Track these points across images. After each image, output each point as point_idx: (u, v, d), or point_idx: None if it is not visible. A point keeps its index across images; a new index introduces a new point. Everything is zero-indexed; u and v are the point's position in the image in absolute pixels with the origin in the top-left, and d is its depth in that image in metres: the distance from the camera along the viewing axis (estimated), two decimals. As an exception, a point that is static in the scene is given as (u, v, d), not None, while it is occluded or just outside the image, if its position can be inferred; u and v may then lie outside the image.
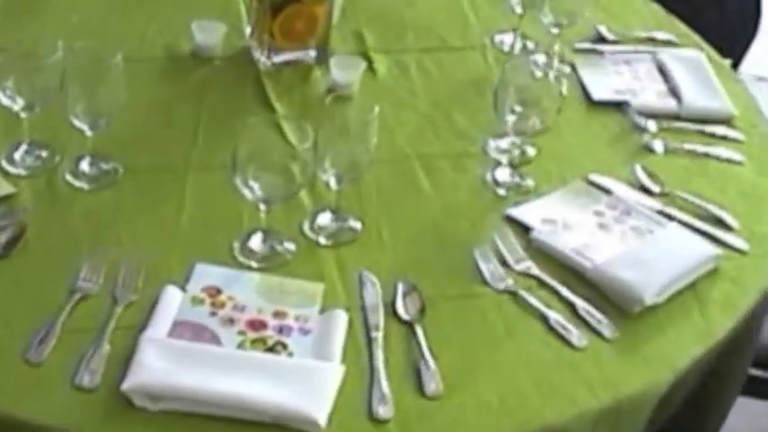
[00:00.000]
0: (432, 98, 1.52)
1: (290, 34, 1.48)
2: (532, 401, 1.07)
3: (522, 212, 1.30)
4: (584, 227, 1.29)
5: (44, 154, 1.32)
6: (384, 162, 1.35)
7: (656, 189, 1.37)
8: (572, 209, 1.32)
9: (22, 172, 1.30)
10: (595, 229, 1.29)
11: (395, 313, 1.15)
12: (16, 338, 1.07)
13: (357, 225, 1.26)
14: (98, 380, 1.04)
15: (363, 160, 1.22)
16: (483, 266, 1.22)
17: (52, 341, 1.07)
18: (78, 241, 1.20)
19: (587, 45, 1.64)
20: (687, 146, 1.46)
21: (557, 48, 1.55)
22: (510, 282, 1.20)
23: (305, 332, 1.11)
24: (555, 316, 1.16)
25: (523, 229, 1.28)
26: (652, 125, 1.49)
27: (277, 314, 1.13)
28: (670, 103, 1.53)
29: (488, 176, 1.36)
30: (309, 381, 1.04)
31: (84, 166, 1.30)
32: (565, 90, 1.32)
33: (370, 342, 1.11)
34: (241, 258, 1.20)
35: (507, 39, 1.63)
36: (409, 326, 1.13)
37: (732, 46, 1.98)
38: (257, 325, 1.12)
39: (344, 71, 1.47)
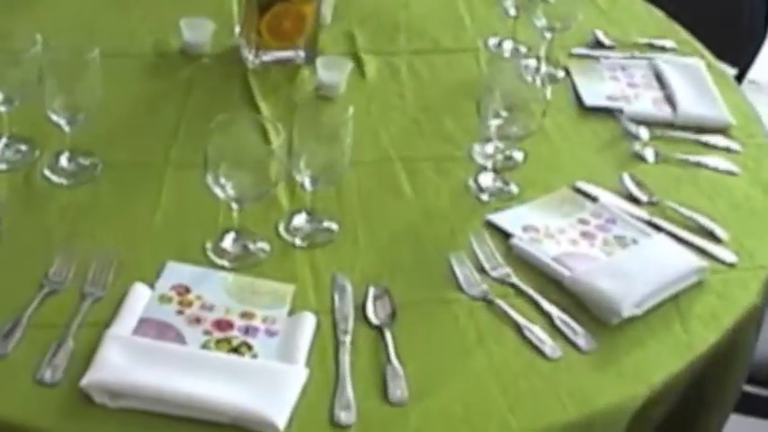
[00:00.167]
0: (420, 101, 1.49)
1: (278, 33, 1.47)
2: (498, 411, 1.04)
3: (504, 219, 1.28)
4: (567, 235, 1.26)
5: (24, 148, 1.32)
6: (366, 164, 1.33)
7: (643, 198, 1.34)
8: (556, 216, 1.29)
9: (1, 166, 1.29)
10: (578, 238, 1.26)
11: (365, 317, 1.13)
12: (-19, 332, 1.06)
13: (334, 227, 1.25)
14: (60, 375, 1.03)
15: (339, 162, 1.20)
16: (458, 272, 1.19)
17: (17, 335, 1.07)
18: (52, 236, 1.20)
19: (584, 50, 1.62)
20: (679, 155, 1.43)
21: (542, 51, 1.52)
22: (485, 288, 1.18)
23: (271, 334, 1.10)
24: (529, 325, 1.14)
25: (504, 235, 1.26)
26: (644, 133, 1.46)
27: (244, 315, 1.11)
28: (665, 111, 1.50)
29: (471, 181, 1.34)
30: (271, 383, 1.03)
31: (64, 161, 1.29)
32: (549, 94, 1.30)
33: (337, 346, 1.09)
34: (213, 257, 1.19)
35: (501, 42, 1.61)
36: (379, 330, 1.11)
37: (740, 53, 1.95)
38: (223, 325, 1.10)
39: (331, 71, 1.45)
